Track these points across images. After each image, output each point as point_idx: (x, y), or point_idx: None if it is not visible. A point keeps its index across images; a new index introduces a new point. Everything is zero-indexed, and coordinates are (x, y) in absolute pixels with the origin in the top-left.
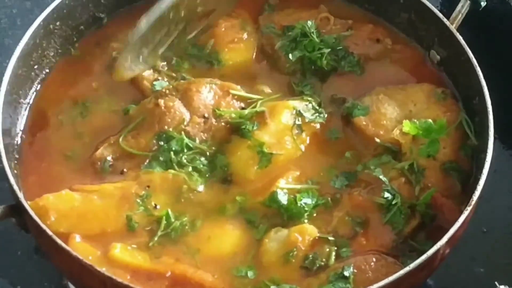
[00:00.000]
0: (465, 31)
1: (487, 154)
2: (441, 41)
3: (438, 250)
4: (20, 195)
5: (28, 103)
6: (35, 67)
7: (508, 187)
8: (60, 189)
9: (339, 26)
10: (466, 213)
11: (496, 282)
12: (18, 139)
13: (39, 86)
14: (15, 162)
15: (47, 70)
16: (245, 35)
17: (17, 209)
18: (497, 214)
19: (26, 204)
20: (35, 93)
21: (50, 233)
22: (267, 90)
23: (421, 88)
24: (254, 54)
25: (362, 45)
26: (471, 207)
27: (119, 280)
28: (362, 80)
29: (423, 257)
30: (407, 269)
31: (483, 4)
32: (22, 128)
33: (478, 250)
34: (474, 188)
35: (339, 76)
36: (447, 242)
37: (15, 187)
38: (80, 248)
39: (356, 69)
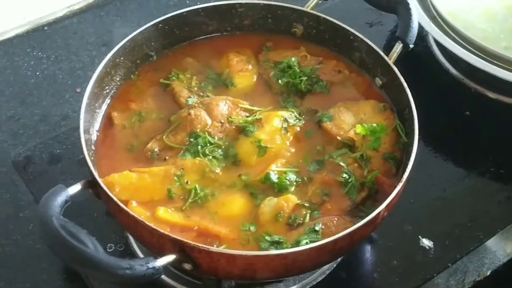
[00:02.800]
0: (400, 64)
1: (413, 148)
2: (382, 71)
3: (379, 212)
4: (95, 173)
5: (101, 112)
6: (106, 87)
7: (427, 172)
8: (122, 170)
9: (313, 61)
10: (398, 187)
11: (419, 236)
12: (94, 136)
13: (109, 100)
14: (92, 151)
15: (114, 90)
16: (249, 67)
17: (93, 183)
18: (419, 190)
19: (99, 180)
20: (106, 105)
21: (115, 199)
22: (263, 105)
23: (369, 103)
24: (255, 79)
25: (328, 74)
26: (402, 183)
27: (161, 230)
28: (329, 98)
29: (369, 217)
30: (358, 224)
31: (411, 46)
32: (97, 129)
33: (407, 215)
34: (404, 171)
35: (313, 95)
36: (385, 207)
37: (92, 168)
38: (135, 210)
39: (325, 90)
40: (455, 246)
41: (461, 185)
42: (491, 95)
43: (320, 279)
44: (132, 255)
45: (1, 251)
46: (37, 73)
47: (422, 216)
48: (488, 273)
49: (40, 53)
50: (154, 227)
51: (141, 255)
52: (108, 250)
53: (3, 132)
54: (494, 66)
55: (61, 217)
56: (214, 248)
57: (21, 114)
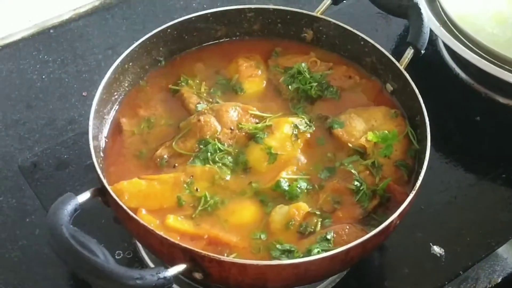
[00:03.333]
0: (411, 70)
1: (426, 156)
2: (393, 77)
3: (392, 221)
4: (105, 181)
5: (110, 118)
6: (114, 93)
7: (437, 178)
8: (131, 178)
9: (323, 67)
10: (411, 196)
11: (430, 243)
12: (103, 143)
13: (117, 106)
14: (101, 158)
15: (123, 96)
16: (259, 72)
17: (102, 191)
18: (430, 196)
19: (109, 188)
20: (114, 111)
21: (125, 208)
22: (273, 111)
23: (379, 109)
24: (265, 85)
25: (338, 80)
26: (415, 191)
27: (172, 240)
28: (339, 104)
29: (382, 226)
30: (371, 233)
31: (423, 52)
32: (105, 135)
33: (417, 221)
34: (417, 179)
35: (323, 101)
36: (398, 216)
37: (101, 176)
38: (145, 218)
39: (335, 96)
40: (467, 254)
41: (472, 191)
42: (502, 100)
43: (330, 287)
44: (141, 262)
45: (7, 256)
46: (43, 77)
47: (433, 222)
48: (499, 280)
49: (46, 56)
50: (164, 236)
51: (149, 262)
52: (116, 257)
53: (9, 136)
54: (505, 71)
55: (71, 226)
56: (225, 258)
57: (27, 118)
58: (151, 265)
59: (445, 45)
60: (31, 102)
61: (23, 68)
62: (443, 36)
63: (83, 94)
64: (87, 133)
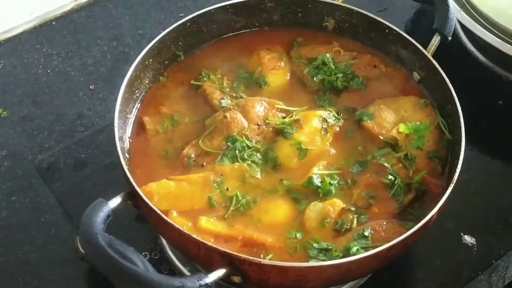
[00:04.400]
0: (438, 57)
1: (461, 147)
2: (420, 65)
3: (432, 216)
4: (135, 185)
5: (132, 117)
6: (136, 91)
7: (464, 166)
8: (160, 179)
9: (347, 57)
10: (450, 189)
11: (461, 233)
12: (127, 143)
13: (139, 105)
14: (127, 160)
15: (144, 93)
16: (282, 64)
17: (132, 195)
18: (458, 185)
19: (139, 191)
20: (136, 110)
21: (158, 211)
22: (298, 104)
23: (408, 99)
24: (289, 77)
25: (364, 70)
26: (453, 184)
27: (210, 244)
28: (366, 95)
29: (423, 221)
30: (412, 230)
31: (449, 38)
32: (129, 135)
33: (447, 211)
34: (454, 171)
35: (349, 92)
36: (438, 211)
37: (131, 179)
38: (177, 220)
39: (361, 87)
40: (498, 242)
41: (500, 178)
42: None
43: (362, 281)
44: (169, 263)
45: (25, 258)
46: (48, 71)
47: (462, 212)
48: None
49: (49, 50)
50: (202, 240)
51: (177, 263)
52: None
53: (17, 134)
54: None
55: (106, 234)
56: (266, 261)
57: (35, 114)
58: (180, 265)
59: (464, 29)
60: (37, 98)
61: (27, 63)
62: (464, 19)
63: (91, 87)
64: (102, 130)
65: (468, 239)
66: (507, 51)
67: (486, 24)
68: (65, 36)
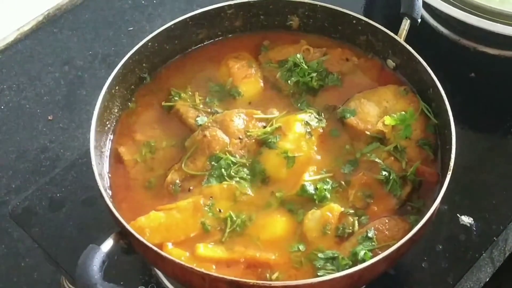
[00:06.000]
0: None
1: (452, 130)
2: (394, 52)
3: (436, 208)
4: (125, 223)
5: (107, 150)
6: (107, 123)
7: (460, 151)
8: (147, 212)
9: (318, 53)
10: (448, 176)
11: (458, 214)
12: (107, 179)
13: (111, 136)
14: (109, 196)
15: (115, 123)
16: (252, 71)
17: (124, 234)
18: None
19: (131, 229)
20: (110, 141)
21: (155, 248)
22: (276, 110)
23: (388, 89)
24: (262, 84)
25: (336, 65)
26: (451, 171)
27: (215, 274)
28: (343, 90)
29: (428, 214)
30: (418, 226)
31: (419, 20)
32: (107, 170)
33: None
34: (449, 158)
35: (326, 90)
36: (440, 201)
37: (120, 218)
38: (173, 253)
39: (337, 83)
40: (496, 218)
41: (484, 151)
42: (492, 51)
43: None
44: None
45: None
46: (2, 107)
47: (455, 193)
48: None
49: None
50: (206, 272)
51: None
52: None
53: None
54: (494, 23)
55: (106, 282)
56: (276, 283)
57: None
58: None
59: (425, 5)
60: None
61: None
62: None
63: (49, 118)
64: (73, 165)
65: (465, 219)
66: (471, 22)
67: None
68: (13, 68)
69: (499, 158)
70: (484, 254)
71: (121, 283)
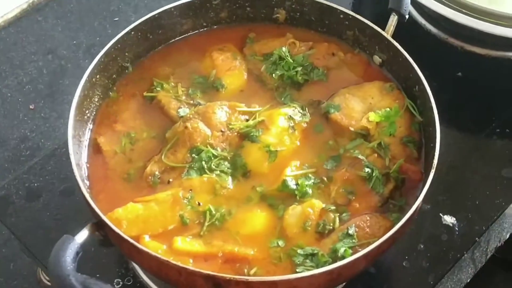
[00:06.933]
0: (396, 36)
1: (436, 128)
2: (381, 48)
3: (417, 206)
4: (101, 214)
5: (86, 139)
6: (86, 112)
7: (445, 151)
8: (125, 203)
9: (304, 48)
10: (431, 175)
11: (440, 214)
12: (84, 169)
13: (91, 125)
14: (87, 187)
15: (95, 112)
16: (237, 63)
17: (100, 225)
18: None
19: (107, 220)
20: (89, 131)
21: (130, 239)
22: (260, 103)
23: (374, 85)
24: (246, 77)
25: (322, 59)
26: (434, 169)
27: (191, 268)
28: (328, 85)
29: (409, 212)
30: (399, 224)
31: (407, 17)
32: (86, 160)
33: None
34: (432, 156)
35: (311, 85)
36: (423, 199)
37: (97, 209)
38: (150, 245)
39: (323, 77)
40: (479, 218)
41: (470, 152)
42: (479, 51)
43: None
44: None
45: None
46: None
47: (438, 191)
48: (507, 236)
49: None
50: (182, 265)
51: (153, 286)
52: (116, 286)
53: None
54: (483, 22)
55: (79, 274)
56: (253, 278)
57: None
58: None
59: (414, 3)
60: None
61: None
62: None
63: (31, 107)
64: (52, 154)
65: (448, 219)
66: (460, 20)
67: None
68: None
69: (484, 158)
70: (465, 255)
71: (97, 275)
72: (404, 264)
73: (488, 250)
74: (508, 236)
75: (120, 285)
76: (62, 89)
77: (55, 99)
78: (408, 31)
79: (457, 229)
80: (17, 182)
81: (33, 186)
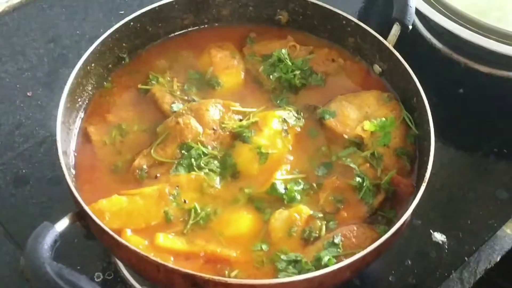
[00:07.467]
0: (400, 48)
1: (431, 142)
2: (381, 57)
3: (405, 220)
4: (83, 204)
5: (76, 128)
6: (78, 100)
7: (440, 167)
8: (110, 195)
9: (304, 51)
10: (422, 189)
11: (431, 230)
12: (72, 157)
13: (83, 114)
14: (72, 176)
15: (87, 101)
16: (235, 62)
17: (81, 215)
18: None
19: (89, 210)
20: (80, 120)
21: (111, 232)
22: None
23: (371, 94)
24: (243, 76)
25: (322, 65)
26: (425, 184)
27: (170, 265)
28: (325, 91)
29: (396, 225)
30: (385, 236)
31: (410, 27)
32: (74, 149)
33: (415, 208)
34: (426, 169)
35: (308, 89)
36: (412, 213)
37: (79, 198)
38: (131, 240)
39: (320, 83)
40: (470, 238)
41: (465, 170)
42: (483, 69)
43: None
44: (124, 283)
45: None
46: None
47: (430, 208)
48: (498, 258)
49: None
50: (161, 262)
51: (133, 282)
52: (96, 280)
53: None
54: (488, 39)
55: (55, 262)
56: (232, 280)
57: None
58: (137, 285)
59: (419, 16)
60: None
61: None
62: (421, 6)
63: (28, 94)
64: (44, 141)
65: (438, 236)
66: (466, 36)
67: (444, 10)
68: None
69: (479, 177)
70: (453, 274)
71: (78, 267)
72: (390, 279)
73: (477, 271)
74: (499, 258)
75: (100, 278)
76: (61, 78)
77: (53, 88)
78: (412, 43)
79: (446, 247)
80: (5, 168)
81: (21, 172)
